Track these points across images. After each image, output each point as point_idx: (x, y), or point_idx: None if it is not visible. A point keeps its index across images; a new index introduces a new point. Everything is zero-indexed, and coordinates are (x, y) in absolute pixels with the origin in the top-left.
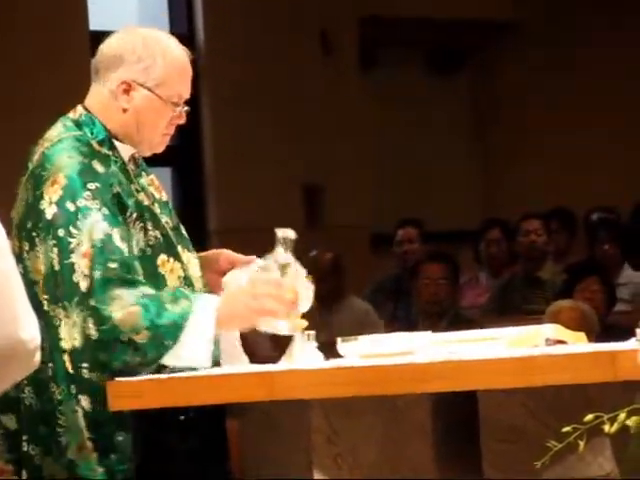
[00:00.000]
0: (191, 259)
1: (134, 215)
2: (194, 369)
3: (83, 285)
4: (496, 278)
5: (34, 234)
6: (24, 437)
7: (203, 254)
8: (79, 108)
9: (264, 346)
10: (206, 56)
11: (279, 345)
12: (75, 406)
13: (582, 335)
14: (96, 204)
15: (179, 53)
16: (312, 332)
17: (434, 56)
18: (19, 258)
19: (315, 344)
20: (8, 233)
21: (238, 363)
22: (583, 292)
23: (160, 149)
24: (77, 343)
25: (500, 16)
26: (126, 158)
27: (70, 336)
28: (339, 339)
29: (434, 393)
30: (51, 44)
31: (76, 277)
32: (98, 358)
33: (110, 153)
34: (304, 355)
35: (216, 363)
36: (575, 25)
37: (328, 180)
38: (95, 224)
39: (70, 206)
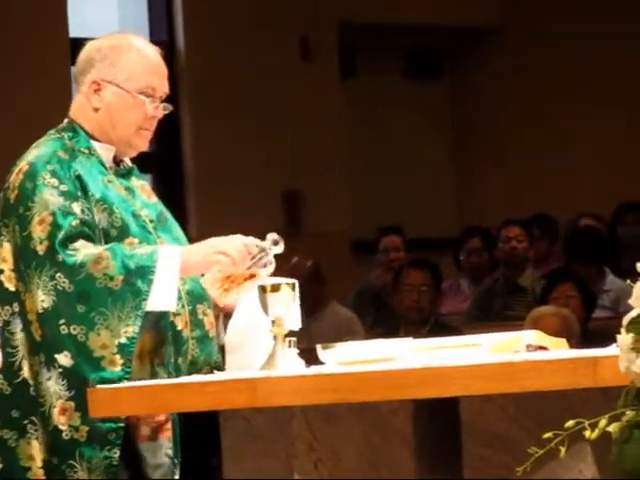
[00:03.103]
0: None
1: (96, 196)
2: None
3: (40, 248)
4: (477, 285)
5: (2, 222)
6: None
7: None
8: (65, 120)
9: None
10: (186, 63)
11: None
12: (47, 373)
13: (563, 341)
14: (54, 181)
15: (145, 48)
16: (293, 339)
17: (413, 62)
18: None
19: (296, 351)
20: None
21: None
22: (559, 298)
23: (141, 146)
24: (47, 304)
25: (479, 22)
26: (106, 158)
27: (36, 302)
28: (319, 346)
29: (415, 399)
30: (32, 52)
31: (33, 244)
32: (76, 310)
33: (86, 151)
34: (286, 362)
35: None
36: (556, 31)
37: (308, 187)
38: (51, 196)
39: (29, 185)
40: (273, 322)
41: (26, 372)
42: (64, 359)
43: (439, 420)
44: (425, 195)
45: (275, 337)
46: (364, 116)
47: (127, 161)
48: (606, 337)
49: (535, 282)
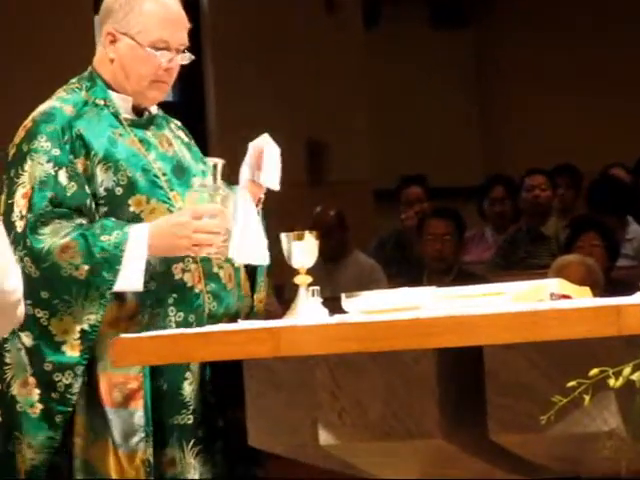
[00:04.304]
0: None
1: (99, 155)
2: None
3: (19, 225)
4: (501, 233)
5: (3, 177)
6: None
7: None
8: (89, 67)
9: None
10: (209, 13)
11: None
12: (19, 344)
13: (587, 290)
14: (47, 145)
15: (161, 1)
16: (317, 288)
17: (437, 11)
18: None
19: (320, 300)
20: None
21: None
22: (583, 247)
23: (157, 97)
24: None
25: None
26: (124, 108)
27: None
28: (343, 295)
29: (439, 348)
30: (56, 1)
31: (13, 217)
32: (40, 295)
33: (101, 102)
34: (309, 311)
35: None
36: None
37: (331, 136)
38: (39, 166)
39: (24, 147)
40: (297, 271)
41: None
42: (26, 338)
43: (463, 369)
44: (448, 144)
45: (299, 286)
46: (387, 65)
47: (152, 109)
48: (629, 285)
49: (559, 231)
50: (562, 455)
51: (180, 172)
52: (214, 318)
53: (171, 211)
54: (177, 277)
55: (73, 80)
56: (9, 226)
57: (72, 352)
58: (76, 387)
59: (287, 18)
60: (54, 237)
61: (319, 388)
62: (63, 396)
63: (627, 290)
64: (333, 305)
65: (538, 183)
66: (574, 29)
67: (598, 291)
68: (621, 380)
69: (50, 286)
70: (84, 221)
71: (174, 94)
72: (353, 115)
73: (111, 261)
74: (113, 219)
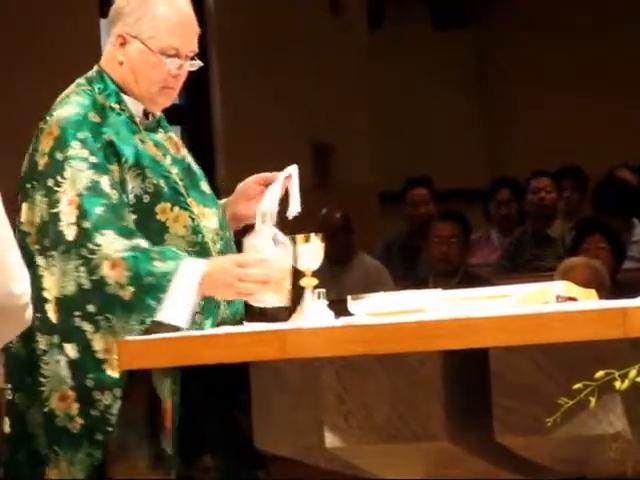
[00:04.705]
0: (207, 213)
1: (130, 162)
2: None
3: (70, 233)
4: (507, 236)
5: (28, 185)
6: (9, 386)
7: (234, 192)
8: (95, 67)
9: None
10: (215, 15)
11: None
12: (58, 355)
13: (593, 292)
14: (84, 153)
15: (175, 5)
16: (322, 290)
17: (439, 13)
18: (21, 211)
19: (326, 302)
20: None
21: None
22: (589, 249)
23: (165, 103)
24: (68, 291)
25: None
26: (136, 111)
27: (57, 285)
28: (349, 297)
29: (445, 350)
30: (60, 3)
31: (61, 226)
32: (87, 308)
33: (116, 106)
34: (315, 313)
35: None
36: None
37: (336, 138)
38: (81, 173)
39: (59, 155)
40: (303, 274)
41: (40, 343)
42: (71, 350)
43: (468, 372)
44: (453, 146)
45: (305, 289)
46: (392, 67)
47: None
48: (635, 288)
49: (565, 233)
50: (568, 457)
51: (190, 175)
52: (223, 324)
53: (192, 218)
54: None
55: (81, 81)
56: (56, 237)
57: (112, 372)
58: (115, 408)
59: (292, 20)
60: (107, 250)
61: (325, 390)
62: (103, 416)
63: (633, 292)
64: (339, 307)
65: (544, 185)
66: (576, 29)
67: (604, 293)
68: (627, 382)
69: (97, 300)
70: (142, 242)
71: (179, 96)
72: (358, 117)
73: (156, 288)
74: (174, 249)
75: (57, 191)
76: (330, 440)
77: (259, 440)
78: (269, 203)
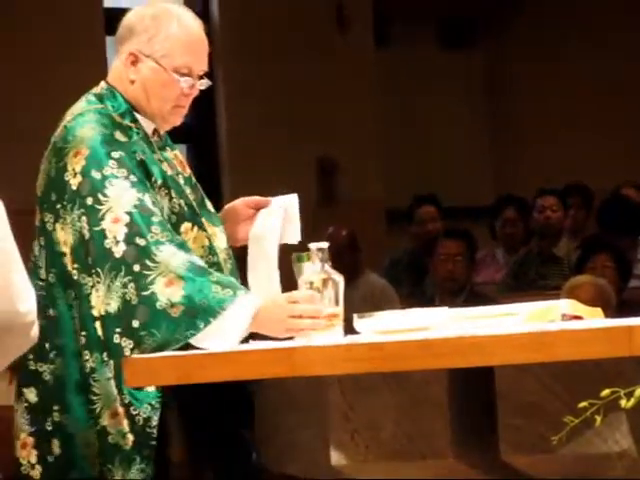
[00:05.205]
0: (217, 232)
1: (159, 182)
2: None
3: (117, 251)
4: (512, 254)
5: (58, 206)
6: (55, 407)
7: (221, 212)
8: (102, 83)
9: None
10: (220, 33)
11: None
12: (108, 373)
13: (598, 310)
14: (122, 172)
15: (188, 24)
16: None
17: (447, 30)
18: (41, 231)
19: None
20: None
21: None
22: (595, 268)
23: (176, 122)
24: (111, 309)
25: None
26: (149, 130)
27: (103, 302)
28: (355, 315)
29: (451, 369)
30: (66, 21)
31: (108, 243)
32: (132, 324)
33: (132, 125)
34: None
35: None
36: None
37: (342, 156)
38: (124, 191)
39: (96, 174)
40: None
41: (89, 361)
42: (112, 367)
43: (474, 390)
44: (460, 164)
45: None
46: (399, 84)
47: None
48: None
49: (570, 252)
50: (573, 476)
51: (198, 194)
52: None
53: (208, 238)
54: None
55: (91, 98)
56: (102, 254)
57: (148, 388)
58: (155, 420)
59: (298, 37)
60: (166, 266)
61: (331, 408)
62: (144, 430)
63: (639, 311)
64: (345, 325)
65: (549, 204)
66: (584, 47)
67: (610, 312)
68: (633, 401)
69: (143, 316)
70: (197, 259)
71: (185, 115)
72: (364, 134)
73: (208, 312)
74: (233, 279)
75: (99, 209)
76: (336, 458)
77: (266, 458)
78: (261, 228)
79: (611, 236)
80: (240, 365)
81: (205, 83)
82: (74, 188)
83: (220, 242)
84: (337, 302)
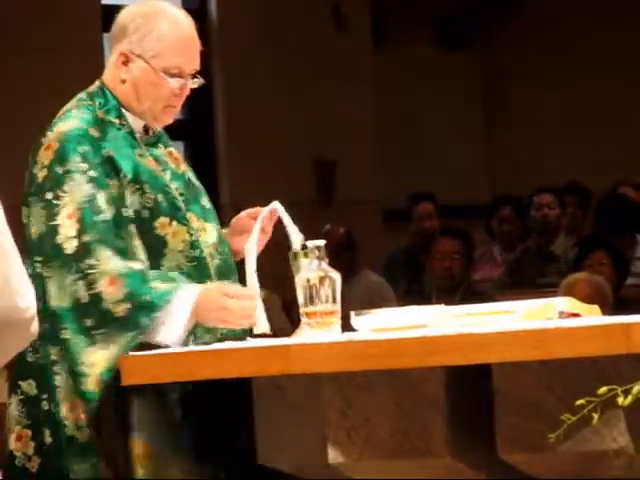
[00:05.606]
0: (207, 227)
1: (128, 177)
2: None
3: (69, 247)
4: (509, 252)
5: (30, 199)
6: (44, 396)
7: (229, 228)
8: (97, 81)
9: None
10: (218, 31)
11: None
12: (66, 366)
13: (596, 308)
14: (84, 167)
15: (178, 24)
16: None
17: (443, 30)
18: (23, 225)
19: None
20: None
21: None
22: (592, 265)
23: (167, 121)
24: (64, 305)
25: None
26: (136, 127)
27: (56, 298)
28: (353, 313)
29: (448, 366)
30: (63, 18)
31: (60, 239)
32: (83, 322)
33: (116, 121)
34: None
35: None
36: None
37: (340, 155)
38: (80, 187)
39: (59, 169)
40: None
41: (52, 354)
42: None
43: (471, 388)
44: (457, 163)
45: None
46: (396, 84)
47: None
48: (638, 304)
49: (568, 250)
50: (571, 473)
51: (191, 190)
52: (220, 340)
53: (190, 233)
54: None
55: (82, 96)
56: (54, 250)
57: (91, 388)
58: (106, 416)
59: (296, 37)
60: (106, 266)
61: (328, 406)
62: (96, 424)
63: (636, 308)
64: (342, 323)
65: (547, 202)
66: (582, 49)
67: (607, 309)
68: (630, 398)
69: (92, 315)
70: (135, 264)
71: (182, 112)
72: (361, 133)
73: (152, 308)
74: (174, 274)
75: (56, 204)
76: (333, 456)
77: (262, 456)
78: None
79: (609, 234)
80: (236, 363)
81: (198, 82)
82: (39, 181)
83: (208, 237)
84: (334, 300)
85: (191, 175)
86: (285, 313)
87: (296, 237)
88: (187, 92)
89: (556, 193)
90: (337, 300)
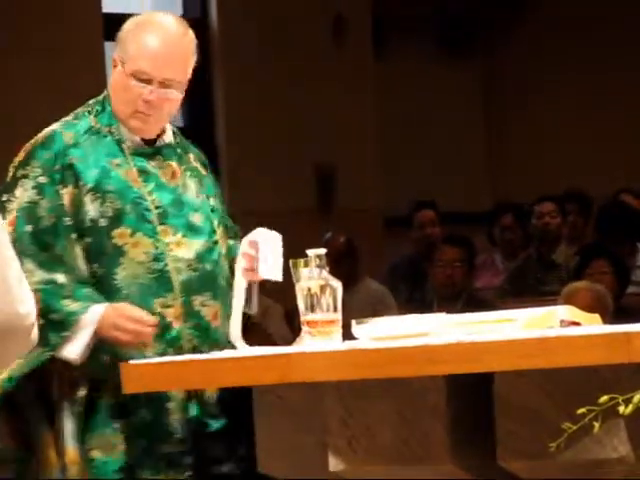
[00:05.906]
0: (185, 243)
1: (88, 186)
2: None
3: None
4: (511, 260)
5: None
6: None
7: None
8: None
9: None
10: (219, 39)
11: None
12: None
13: (596, 316)
14: (37, 172)
15: (160, 34)
16: None
17: (446, 39)
18: None
19: None
20: None
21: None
22: (593, 274)
23: (137, 127)
24: None
25: None
26: (128, 135)
27: None
28: (354, 321)
29: (449, 375)
30: (65, 27)
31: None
32: None
33: (106, 129)
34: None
35: None
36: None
37: (341, 162)
38: (26, 192)
39: (19, 172)
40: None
41: None
42: None
43: (472, 396)
44: (458, 170)
45: None
46: (397, 92)
47: (166, 137)
48: (639, 313)
49: (569, 258)
50: None
51: (179, 205)
52: (200, 352)
53: (156, 246)
54: (157, 312)
55: (89, 102)
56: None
57: None
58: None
59: (296, 45)
60: (29, 278)
61: (329, 414)
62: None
63: (637, 317)
64: (343, 331)
65: (548, 210)
66: (582, 57)
67: (608, 318)
68: (631, 407)
69: None
70: (60, 277)
71: (183, 119)
72: (362, 141)
73: (61, 326)
74: (90, 291)
75: (6, 208)
76: (334, 464)
77: (263, 464)
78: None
79: (609, 242)
80: (237, 371)
81: (173, 94)
82: (6, 180)
83: (183, 252)
84: (335, 308)
85: (191, 191)
86: (286, 322)
87: (262, 266)
88: (161, 102)
89: (557, 201)
90: (338, 309)
